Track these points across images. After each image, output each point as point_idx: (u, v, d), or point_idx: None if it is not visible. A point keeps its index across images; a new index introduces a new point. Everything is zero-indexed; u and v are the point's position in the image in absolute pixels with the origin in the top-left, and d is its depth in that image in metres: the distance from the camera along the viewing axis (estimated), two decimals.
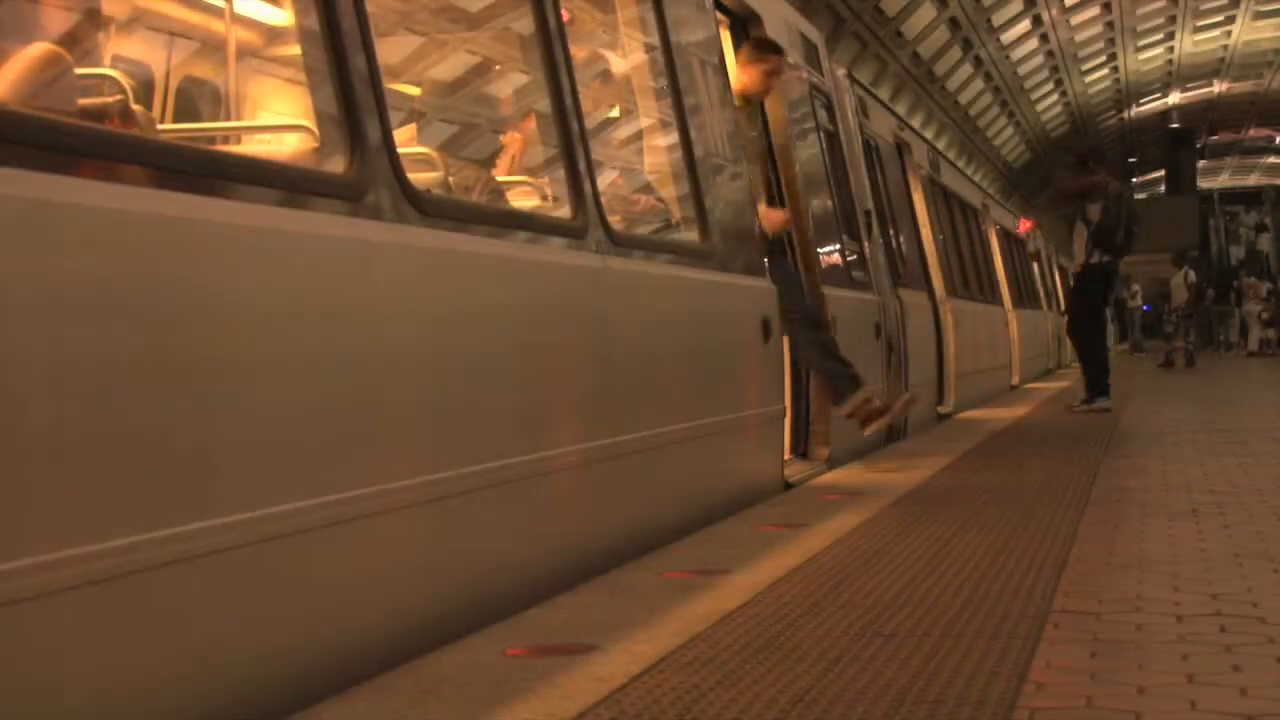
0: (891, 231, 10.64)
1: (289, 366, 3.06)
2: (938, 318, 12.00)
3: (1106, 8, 31.79)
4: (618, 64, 6.90)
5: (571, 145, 4.77)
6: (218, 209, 2.88)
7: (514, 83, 8.90)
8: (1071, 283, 12.45)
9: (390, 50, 7.30)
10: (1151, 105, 44.76)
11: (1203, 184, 49.36)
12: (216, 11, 6.41)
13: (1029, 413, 11.88)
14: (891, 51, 26.11)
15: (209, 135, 5.64)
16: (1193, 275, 26.13)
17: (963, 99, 33.69)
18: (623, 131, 7.86)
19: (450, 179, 5.25)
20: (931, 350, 11.51)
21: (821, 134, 8.76)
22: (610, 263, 4.84)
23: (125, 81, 3.99)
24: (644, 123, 7.01)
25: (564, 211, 4.87)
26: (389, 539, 3.39)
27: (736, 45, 7.50)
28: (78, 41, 4.26)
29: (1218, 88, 42.30)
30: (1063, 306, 23.95)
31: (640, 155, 7.32)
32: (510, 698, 2.87)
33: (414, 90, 8.14)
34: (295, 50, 5.45)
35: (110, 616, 2.53)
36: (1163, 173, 49.72)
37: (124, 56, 6.14)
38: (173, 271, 2.72)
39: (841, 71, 10.38)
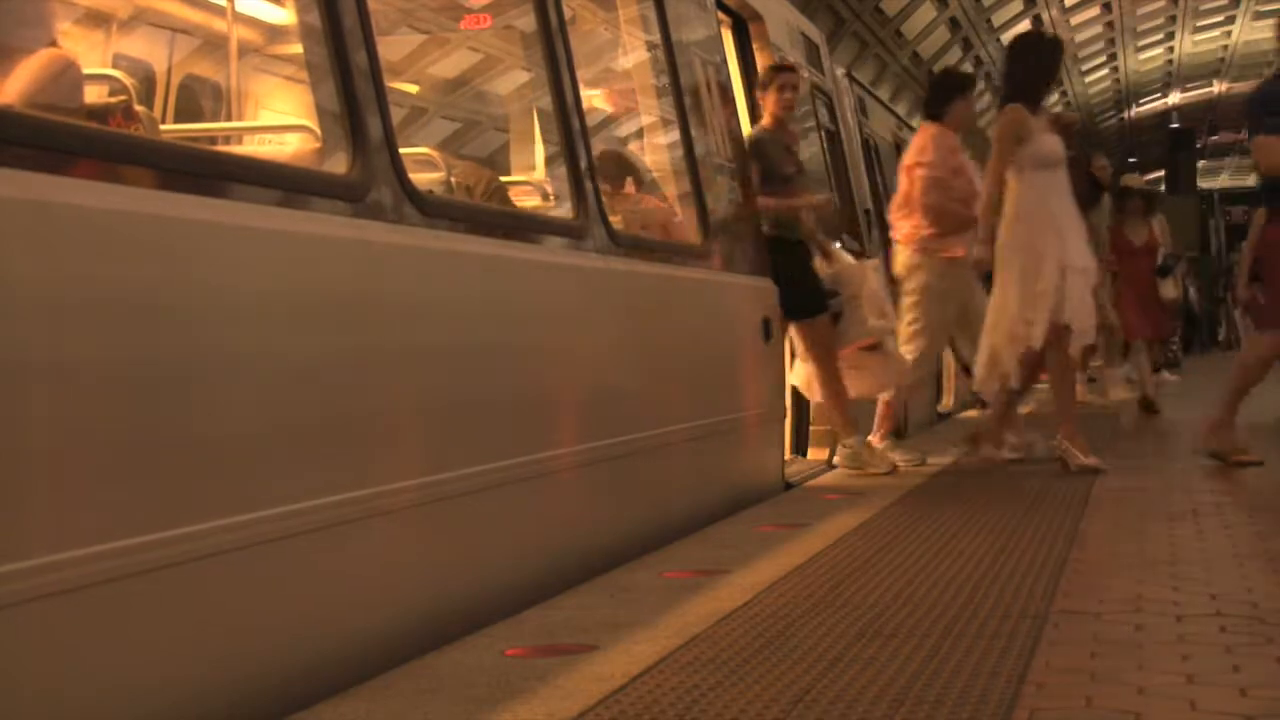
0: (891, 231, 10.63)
1: (290, 366, 3.06)
2: None
3: (1106, 8, 31.77)
4: (619, 63, 6.91)
5: (573, 144, 4.77)
6: (219, 209, 2.89)
7: (515, 80, 8.91)
8: None
9: (390, 49, 7.30)
10: (1151, 105, 44.74)
11: (1203, 184, 49.28)
12: (218, 10, 6.41)
13: (1030, 412, 11.84)
14: (891, 51, 26.10)
15: (211, 135, 5.64)
16: None
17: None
18: (624, 130, 7.87)
19: (451, 179, 5.25)
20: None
21: (822, 133, 8.78)
22: (611, 262, 4.84)
23: (128, 81, 3.99)
24: (645, 121, 7.02)
25: (565, 211, 4.87)
26: (391, 539, 3.39)
27: (738, 45, 7.50)
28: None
29: (1218, 88, 42.26)
30: None
31: (641, 154, 7.32)
32: (510, 698, 2.87)
33: (412, 88, 8.14)
34: (297, 49, 5.46)
35: (114, 615, 2.53)
36: (1162, 173, 49.67)
37: (126, 55, 6.14)
38: (175, 272, 2.73)
39: (841, 71, 10.39)
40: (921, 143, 7.59)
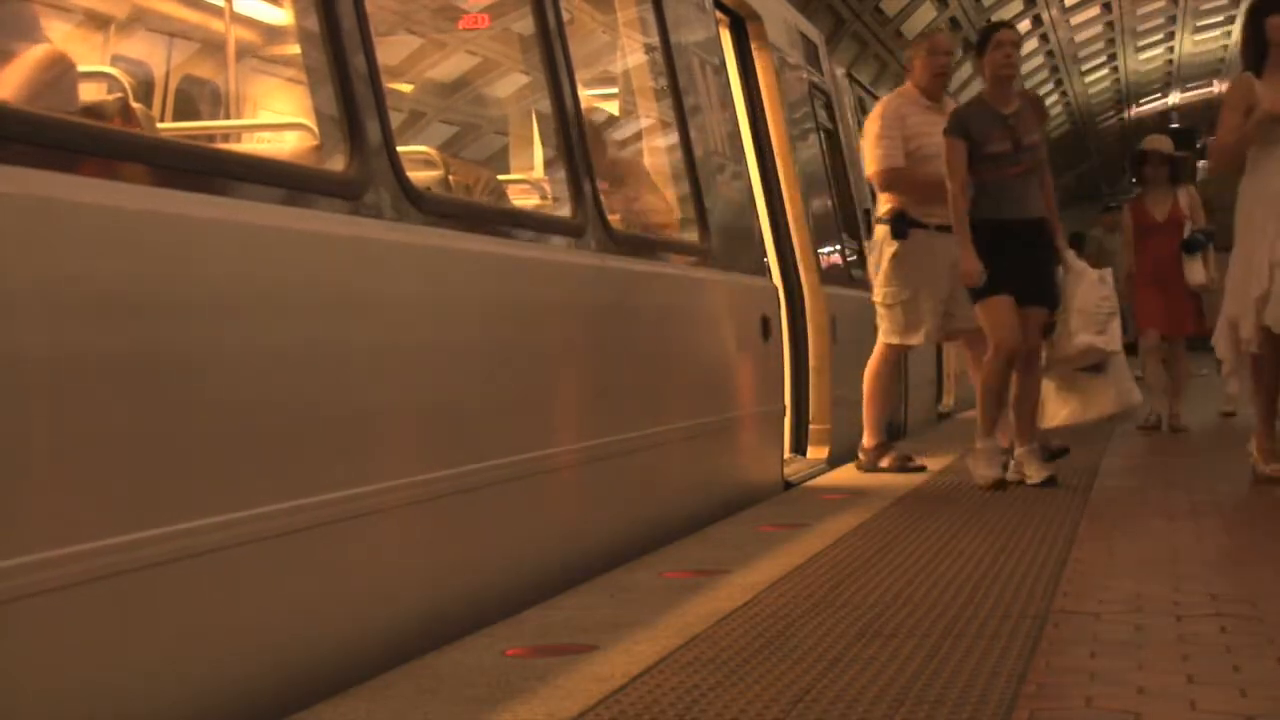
0: None
1: (289, 364, 3.05)
2: None
3: (1106, 8, 31.76)
4: (618, 64, 6.90)
5: (571, 145, 4.77)
6: (218, 207, 2.88)
7: (515, 83, 8.91)
8: None
9: (389, 51, 7.29)
10: (1151, 105, 44.77)
11: None
12: (216, 11, 6.41)
13: None
14: (891, 51, 26.10)
15: (209, 133, 5.63)
16: None
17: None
18: (623, 131, 7.86)
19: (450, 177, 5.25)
20: (931, 348, 11.50)
21: (821, 133, 8.77)
22: (609, 261, 4.84)
23: (125, 79, 3.99)
24: (644, 122, 7.01)
25: (563, 210, 4.87)
26: (388, 537, 3.39)
27: (736, 44, 7.50)
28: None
29: (1218, 88, 42.26)
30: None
31: (640, 154, 7.32)
32: (510, 698, 2.87)
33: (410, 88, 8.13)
34: (295, 49, 5.45)
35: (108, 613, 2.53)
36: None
37: (124, 55, 6.14)
38: (174, 270, 2.72)
39: (841, 71, 10.38)
40: None
